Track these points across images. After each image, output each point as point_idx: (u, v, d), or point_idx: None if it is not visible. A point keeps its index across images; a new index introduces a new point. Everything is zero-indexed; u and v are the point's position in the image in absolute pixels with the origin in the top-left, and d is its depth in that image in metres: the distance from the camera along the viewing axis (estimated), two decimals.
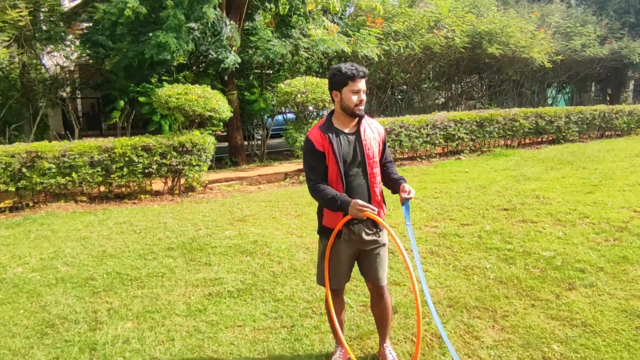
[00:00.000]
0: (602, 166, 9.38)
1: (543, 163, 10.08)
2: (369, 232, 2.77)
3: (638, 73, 21.98)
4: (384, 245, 2.86)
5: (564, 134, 13.81)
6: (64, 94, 12.85)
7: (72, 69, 13.10)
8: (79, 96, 16.13)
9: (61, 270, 4.74)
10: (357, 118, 2.76)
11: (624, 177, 8.16)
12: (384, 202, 2.89)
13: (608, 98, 22.36)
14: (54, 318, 3.70)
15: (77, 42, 11.03)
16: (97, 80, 13.09)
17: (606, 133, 15.38)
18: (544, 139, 14.03)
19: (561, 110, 13.89)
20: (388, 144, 11.19)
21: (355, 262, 2.95)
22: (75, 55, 11.91)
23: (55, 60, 11.87)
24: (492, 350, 3.03)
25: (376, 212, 2.56)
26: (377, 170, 2.81)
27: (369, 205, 2.56)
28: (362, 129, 2.77)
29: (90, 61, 11.77)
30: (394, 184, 2.86)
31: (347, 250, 2.80)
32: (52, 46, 11.01)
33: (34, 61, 11.26)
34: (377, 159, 2.81)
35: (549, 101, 21.41)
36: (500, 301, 3.71)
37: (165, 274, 4.53)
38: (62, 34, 10.57)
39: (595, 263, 4.34)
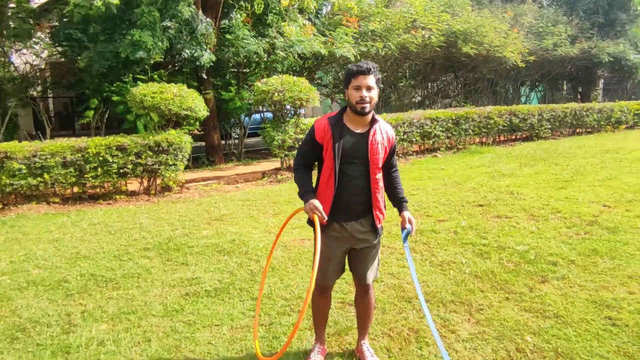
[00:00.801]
0: (574, 162, 9.62)
1: (517, 160, 10.28)
2: (362, 230, 2.76)
3: (607, 72, 22.59)
4: (376, 246, 2.86)
5: (537, 131, 14.12)
6: (35, 93, 12.51)
7: (42, 67, 12.77)
8: (51, 95, 15.74)
9: (32, 273, 4.62)
10: (370, 119, 2.70)
11: (594, 173, 8.39)
12: (385, 208, 2.85)
13: (579, 96, 22.95)
14: (25, 322, 3.60)
15: (48, 40, 10.77)
16: (69, 79, 12.80)
17: (577, 130, 15.80)
18: (517, 136, 14.32)
19: (534, 108, 14.21)
20: None
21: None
22: (46, 53, 11.62)
23: (25, 58, 11.55)
24: (467, 343, 3.08)
25: (325, 221, 2.59)
26: (379, 176, 2.75)
27: (322, 210, 2.58)
28: (372, 131, 2.69)
29: (62, 59, 11.50)
30: (395, 201, 2.90)
31: (338, 246, 2.77)
32: (20, 44, 10.72)
33: (2, 59, 10.95)
34: (380, 164, 2.74)
35: (523, 99, 21.85)
36: (475, 295, 3.77)
37: (141, 275, 4.46)
38: (31, 31, 10.29)
39: (567, 256, 4.45)
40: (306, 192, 2.68)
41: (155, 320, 3.56)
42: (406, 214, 2.82)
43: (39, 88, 13.05)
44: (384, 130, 2.76)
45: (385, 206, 2.85)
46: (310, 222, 2.73)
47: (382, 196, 2.80)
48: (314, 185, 2.79)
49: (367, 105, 2.61)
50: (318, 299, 2.92)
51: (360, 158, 2.67)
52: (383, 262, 4.54)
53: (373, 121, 2.71)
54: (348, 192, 2.68)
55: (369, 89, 2.60)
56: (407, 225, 2.78)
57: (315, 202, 2.59)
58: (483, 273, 4.17)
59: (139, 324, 3.51)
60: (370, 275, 2.89)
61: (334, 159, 2.63)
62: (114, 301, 3.92)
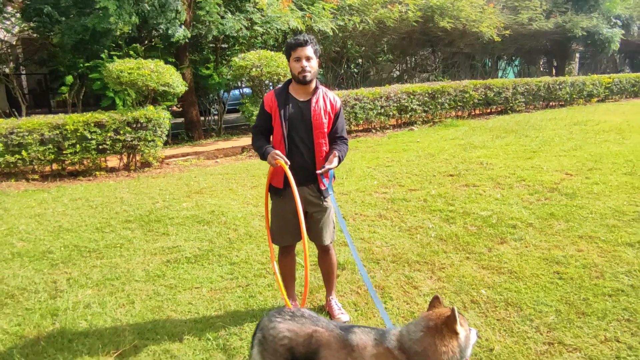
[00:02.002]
0: (543, 134, 9.98)
1: (490, 132, 10.60)
2: (312, 194, 2.98)
3: (581, 46, 22.98)
4: (327, 209, 3.06)
5: (511, 104, 14.46)
6: (7, 70, 12.28)
7: (14, 43, 12.50)
8: (24, 72, 15.41)
9: (17, 245, 4.75)
10: (314, 87, 2.92)
11: (561, 144, 8.75)
12: (333, 174, 3.02)
13: (554, 70, 23.36)
14: (13, 289, 3.77)
15: (19, 15, 10.55)
16: (42, 56, 12.57)
17: (551, 103, 16.19)
18: (493, 110, 14.64)
19: (509, 82, 14.51)
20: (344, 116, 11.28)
21: None
22: (17, 29, 11.38)
23: None
24: (427, 297, 3.36)
25: (288, 165, 2.77)
26: (323, 141, 2.95)
27: (284, 157, 2.79)
28: (314, 99, 2.91)
29: (35, 35, 11.29)
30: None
31: (293, 209, 2.91)
32: None
33: None
34: (325, 130, 2.93)
35: (499, 74, 22.16)
36: (439, 256, 4.06)
37: (123, 245, 4.64)
38: (1, 6, 10.08)
39: (526, 220, 4.77)
40: (266, 148, 2.89)
41: (139, 285, 3.76)
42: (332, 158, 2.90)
43: (11, 65, 12.82)
44: (327, 98, 2.97)
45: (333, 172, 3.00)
46: (272, 191, 3.04)
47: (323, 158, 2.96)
48: None
49: (308, 74, 2.83)
50: (283, 258, 3.19)
51: (304, 124, 2.89)
52: (355, 228, 4.81)
53: (316, 89, 2.94)
54: (296, 156, 2.89)
55: (308, 59, 2.83)
56: (326, 165, 2.86)
57: (276, 151, 2.81)
58: (447, 236, 4.46)
59: (123, 288, 3.72)
60: (327, 237, 3.10)
61: (282, 125, 2.87)
62: (98, 269, 4.11)
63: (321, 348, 2.01)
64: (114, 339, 3.00)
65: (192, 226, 5.10)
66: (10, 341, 3.04)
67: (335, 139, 3.04)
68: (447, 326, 1.86)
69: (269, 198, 3.13)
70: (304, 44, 2.82)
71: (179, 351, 2.84)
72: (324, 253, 3.18)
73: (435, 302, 2.02)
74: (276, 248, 3.25)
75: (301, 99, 2.93)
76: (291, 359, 2.05)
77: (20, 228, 5.30)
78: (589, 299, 3.20)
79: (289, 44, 2.87)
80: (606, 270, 3.60)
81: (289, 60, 2.91)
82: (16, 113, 10.90)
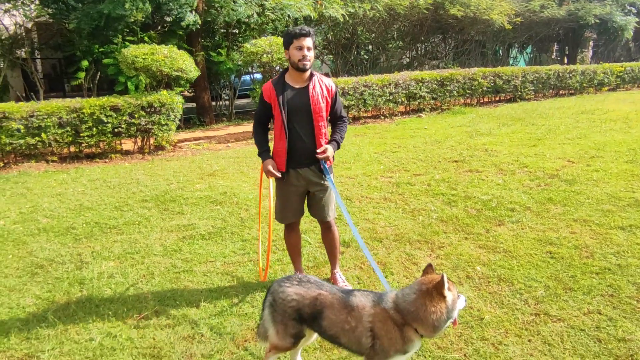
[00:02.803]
0: (550, 122, 10.09)
1: (497, 120, 10.72)
2: (314, 175, 3.20)
3: (594, 34, 22.78)
4: (328, 188, 3.27)
5: (520, 92, 14.50)
6: (23, 54, 12.58)
7: (29, 27, 12.77)
8: (39, 57, 15.72)
9: (42, 221, 5.06)
10: (309, 75, 3.13)
11: (566, 132, 8.88)
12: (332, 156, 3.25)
13: (565, 59, 23.20)
14: (42, 261, 4.08)
15: (37, 1, 10.81)
16: (57, 41, 12.85)
17: (560, 92, 16.17)
18: (501, 98, 14.70)
19: (518, 70, 14.53)
20: (352, 102, 11.40)
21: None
22: (34, 14, 11.64)
23: (15, 19, 11.59)
24: None
25: (279, 178, 3.11)
26: (323, 124, 3.15)
27: (275, 173, 3.10)
28: (311, 85, 3.10)
29: (51, 20, 11.55)
30: (329, 141, 3.23)
31: (295, 191, 3.24)
32: (9, 4, 10.76)
33: None
34: (323, 113, 3.14)
35: (510, 61, 22.09)
36: (439, 236, 4.29)
37: (141, 222, 4.92)
38: None
39: (525, 204, 4.97)
40: (263, 152, 3.17)
41: (157, 259, 4.05)
42: (326, 146, 3.13)
43: (27, 49, 13.12)
44: (323, 84, 3.16)
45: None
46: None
47: (326, 142, 3.19)
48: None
49: (308, 63, 3.03)
50: (288, 235, 3.44)
51: (303, 109, 3.09)
52: (360, 209, 5.04)
53: (311, 76, 3.13)
54: (297, 140, 3.11)
55: (308, 49, 3.01)
56: (321, 154, 3.09)
57: (269, 165, 3.10)
58: (448, 218, 4.69)
59: (143, 261, 4.00)
60: (330, 214, 3.35)
61: (281, 112, 3.06)
62: (119, 244, 4.40)
63: (325, 309, 2.26)
64: (136, 304, 3.29)
65: (206, 206, 5.37)
66: (43, 305, 3.34)
67: (336, 120, 3.30)
68: (436, 290, 2.10)
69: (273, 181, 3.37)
70: (307, 34, 3.00)
71: (196, 315, 3.11)
72: (326, 229, 3.41)
73: (428, 269, 2.26)
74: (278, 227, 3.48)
75: (297, 86, 3.11)
76: (298, 319, 2.31)
77: (44, 206, 5.61)
78: (577, 276, 3.42)
79: (292, 33, 3.02)
80: (596, 250, 3.81)
81: (288, 49, 3.06)
82: (34, 96, 11.24)
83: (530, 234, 4.21)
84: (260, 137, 3.24)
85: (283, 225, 3.45)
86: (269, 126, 3.32)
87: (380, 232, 4.41)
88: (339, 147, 3.24)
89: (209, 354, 2.72)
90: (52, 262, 4.04)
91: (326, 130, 3.21)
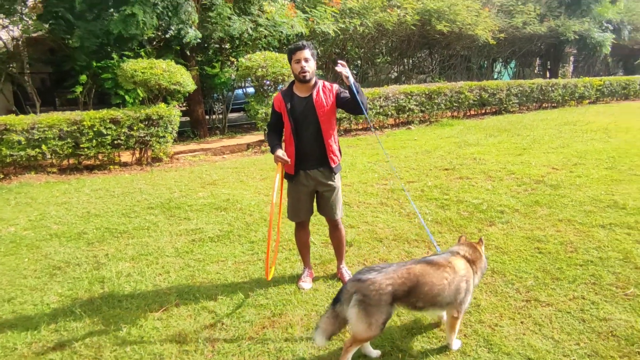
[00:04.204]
0: (534, 133, 10.53)
1: (484, 131, 11.14)
2: (322, 175, 3.48)
3: (574, 49, 23.60)
4: (336, 188, 3.56)
5: (505, 105, 15.02)
6: (14, 69, 12.71)
7: (20, 42, 12.92)
8: (28, 71, 15.86)
9: (52, 228, 5.25)
10: (312, 84, 3.37)
11: (550, 142, 9.30)
12: (340, 152, 3.56)
13: (547, 73, 23.97)
14: (59, 263, 4.27)
15: (34, 17, 11.01)
16: (48, 56, 13.03)
17: (543, 105, 16.77)
18: (487, 110, 15.20)
19: (503, 84, 15.06)
20: (343, 115, 11.70)
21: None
22: (31, 29, 11.81)
23: (11, 34, 11.77)
24: None
25: (288, 164, 3.33)
26: (330, 125, 3.39)
27: (284, 157, 3.28)
28: (314, 92, 3.36)
29: (43, 35, 11.74)
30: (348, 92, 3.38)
31: (305, 191, 3.52)
32: (7, 20, 10.95)
33: None
34: (327, 113, 3.34)
35: (495, 75, 22.76)
36: (434, 236, 4.58)
37: (150, 227, 5.14)
38: (14, 6, 10.52)
39: (513, 206, 5.30)
40: (274, 146, 3.41)
41: (170, 259, 4.27)
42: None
43: (18, 64, 13.22)
44: (326, 88, 3.41)
45: (339, 150, 3.55)
46: (286, 177, 3.53)
47: (334, 141, 3.47)
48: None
49: (307, 74, 3.30)
50: (298, 232, 3.71)
51: (310, 116, 3.35)
52: (359, 213, 5.32)
53: (315, 85, 3.38)
54: (306, 144, 3.38)
55: (306, 60, 3.28)
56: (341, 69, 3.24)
57: (279, 152, 3.31)
58: (442, 220, 4.99)
59: (157, 261, 4.22)
60: (338, 213, 3.62)
61: (290, 121, 3.34)
62: (131, 247, 4.61)
63: (420, 277, 2.59)
64: (157, 299, 3.51)
65: (211, 212, 5.60)
66: (67, 302, 3.54)
67: (348, 101, 3.39)
68: (480, 247, 2.89)
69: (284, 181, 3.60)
70: (303, 47, 3.29)
71: (215, 307, 3.34)
72: (334, 228, 3.69)
73: (461, 238, 2.95)
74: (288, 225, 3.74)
75: (303, 95, 3.38)
76: (391, 302, 2.51)
77: (52, 214, 5.79)
78: (563, 267, 3.73)
79: (290, 49, 3.35)
80: (580, 246, 4.13)
81: (290, 63, 3.36)
82: (29, 109, 11.37)
83: (519, 233, 4.52)
84: (272, 139, 3.50)
85: (293, 225, 3.70)
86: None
87: (380, 233, 4.69)
88: (357, 87, 3.31)
89: (231, 339, 2.95)
90: (69, 264, 4.23)
91: (334, 131, 3.47)
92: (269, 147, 3.55)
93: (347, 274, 3.71)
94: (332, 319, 2.55)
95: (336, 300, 2.58)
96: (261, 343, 2.92)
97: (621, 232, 4.41)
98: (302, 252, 3.77)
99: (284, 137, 3.50)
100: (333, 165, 3.48)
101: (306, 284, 3.65)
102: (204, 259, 4.23)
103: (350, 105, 3.38)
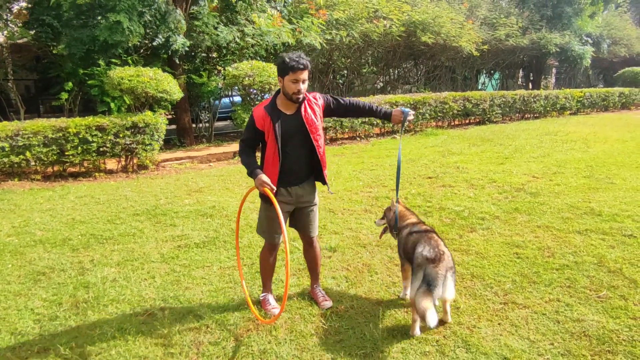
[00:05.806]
0: (516, 143, 10.75)
1: (467, 141, 11.34)
2: (304, 192, 3.26)
3: (556, 61, 24.16)
4: (315, 204, 3.41)
5: (488, 115, 15.29)
6: None
7: (4, 48, 12.83)
8: (12, 78, 15.75)
9: (37, 234, 5.23)
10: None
11: (531, 151, 9.52)
12: (324, 166, 3.32)
13: (530, 84, 24.48)
14: (43, 269, 4.26)
15: (19, 23, 10.99)
16: (33, 62, 12.96)
17: (526, 115, 17.10)
18: (471, 120, 15.46)
19: (486, 94, 15.36)
20: (330, 124, 11.81)
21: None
22: (9, 34, 11.77)
23: None
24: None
25: (274, 192, 3.02)
26: (318, 136, 3.19)
27: (270, 183, 2.99)
28: (302, 110, 3.09)
29: (32, 42, 11.71)
30: (380, 115, 3.33)
31: (285, 208, 3.22)
32: None
33: None
34: (320, 129, 3.19)
35: (479, 86, 23.17)
36: None
37: (136, 234, 5.15)
38: (2, 13, 10.50)
39: (494, 213, 5.43)
40: (254, 169, 3.05)
41: (156, 265, 4.29)
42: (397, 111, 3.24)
43: (2, 70, 13.10)
44: (312, 102, 3.17)
45: (325, 165, 3.29)
46: (262, 196, 3.20)
47: (322, 154, 3.22)
48: (259, 162, 3.20)
49: (302, 96, 3.03)
50: (269, 254, 3.39)
51: (298, 133, 3.10)
52: (343, 220, 5.41)
53: (301, 101, 3.10)
54: (292, 163, 3.12)
55: (304, 81, 2.98)
56: (404, 110, 3.22)
57: (263, 177, 2.99)
58: None
59: (143, 267, 4.24)
60: (314, 230, 3.41)
61: (276, 141, 3.03)
62: (117, 252, 4.62)
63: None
64: (142, 304, 3.53)
65: (197, 219, 5.64)
66: (52, 307, 3.54)
67: (351, 104, 3.29)
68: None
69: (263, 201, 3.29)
70: (304, 67, 2.95)
71: (200, 311, 3.38)
72: (309, 245, 3.48)
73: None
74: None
75: (289, 112, 3.09)
76: None
77: (36, 220, 5.77)
78: (540, 272, 3.85)
79: (289, 65, 2.93)
80: (557, 251, 4.26)
81: (283, 78, 2.99)
82: (13, 116, 11.29)
83: (499, 239, 4.64)
84: (249, 158, 3.16)
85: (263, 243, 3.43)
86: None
87: (363, 239, 4.77)
88: (389, 112, 3.29)
89: (216, 342, 2.99)
90: (54, 270, 4.23)
91: (322, 143, 3.24)
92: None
93: (321, 295, 3.52)
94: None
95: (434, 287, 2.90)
96: (245, 345, 2.97)
97: (596, 237, 4.55)
98: (267, 274, 3.47)
99: (264, 156, 3.17)
100: (328, 182, 3.34)
101: (277, 309, 3.40)
102: (189, 265, 4.26)
103: (341, 110, 3.28)
